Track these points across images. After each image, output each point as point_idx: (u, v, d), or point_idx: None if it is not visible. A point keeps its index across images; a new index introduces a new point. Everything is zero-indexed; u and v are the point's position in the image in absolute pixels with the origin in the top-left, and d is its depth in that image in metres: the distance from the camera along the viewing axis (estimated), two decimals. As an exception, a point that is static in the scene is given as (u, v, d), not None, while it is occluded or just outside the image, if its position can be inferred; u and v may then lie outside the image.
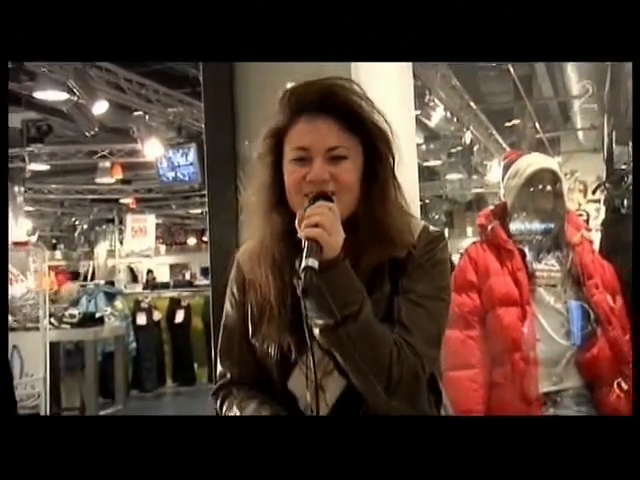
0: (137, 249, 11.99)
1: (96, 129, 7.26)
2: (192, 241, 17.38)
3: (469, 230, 16.86)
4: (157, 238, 13.84)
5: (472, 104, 8.24)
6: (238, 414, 1.31)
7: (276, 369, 1.32)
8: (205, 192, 2.56)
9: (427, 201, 14.84)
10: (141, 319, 9.14)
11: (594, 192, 5.39)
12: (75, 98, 6.67)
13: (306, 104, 1.27)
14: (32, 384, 6.15)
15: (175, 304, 9.54)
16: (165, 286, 10.47)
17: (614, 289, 2.52)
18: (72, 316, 7.91)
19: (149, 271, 12.39)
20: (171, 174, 8.56)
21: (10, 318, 6.66)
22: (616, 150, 4.62)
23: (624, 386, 2.41)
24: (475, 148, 9.38)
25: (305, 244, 1.17)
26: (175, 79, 7.46)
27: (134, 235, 11.89)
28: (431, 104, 7.17)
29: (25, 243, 8.68)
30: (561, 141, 11.22)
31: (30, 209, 12.44)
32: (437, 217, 16.56)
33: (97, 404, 7.52)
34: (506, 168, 2.60)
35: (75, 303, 8.80)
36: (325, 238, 1.17)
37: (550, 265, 2.49)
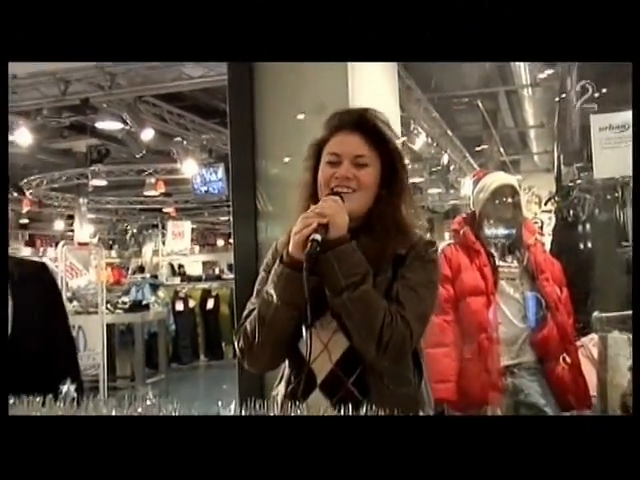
0: (176, 249, 12.01)
1: (144, 152, 7.28)
2: (220, 243, 17.35)
3: (447, 235, 16.78)
4: (192, 240, 13.82)
5: (449, 132, 8.24)
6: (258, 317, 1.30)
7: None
8: (230, 203, 2.58)
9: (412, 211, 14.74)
10: (179, 306, 9.15)
11: (546, 204, 5.38)
12: (128, 127, 6.71)
13: (344, 123, 1.36)
14: (93, 357, 6.19)
15: (206, 294, 9.53)
16: (198, 279, 10.44)
17: (561, 282, 2.53)
18: (124, 303, 7.96)
19: (180, 266, 12.42)
20: (204, 188, 8.56)
21: (76, 304, 6.68)
22: (564, 170, 4.61)
23: (568, 360, 2.42)
24: (451, 168, 9.36)
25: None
26: (208, 111, 7.48)
27: (174, 238, 11.90)
28: (415, 132, 7.16)
29: (87, 244, 8.71)
30: (521, 162, 11.18)
31: (92, 217, 12.47)
32: (420, 224, 16.43)
33: (144, 373, 7.55)
34: (475, 184, 2.60)
35: (126, 292, 8.85)
36: (332, 219, 1.23)
37: (510, 262, 2.49)
